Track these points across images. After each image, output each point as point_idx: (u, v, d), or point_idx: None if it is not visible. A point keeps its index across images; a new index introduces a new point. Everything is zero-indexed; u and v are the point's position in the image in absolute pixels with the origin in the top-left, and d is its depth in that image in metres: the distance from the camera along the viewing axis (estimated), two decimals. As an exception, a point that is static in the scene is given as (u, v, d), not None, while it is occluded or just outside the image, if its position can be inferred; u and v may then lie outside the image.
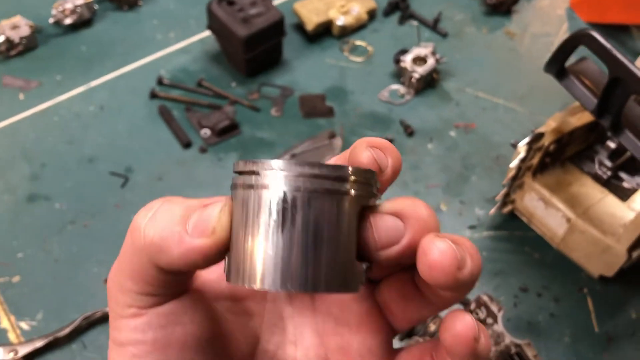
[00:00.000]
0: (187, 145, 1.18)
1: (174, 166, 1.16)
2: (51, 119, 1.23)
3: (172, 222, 0.30)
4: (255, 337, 0.38)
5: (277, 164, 0.30)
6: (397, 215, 0.31)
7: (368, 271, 0.32)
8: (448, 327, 0.31)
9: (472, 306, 0.87)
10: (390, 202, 0.32)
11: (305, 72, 1.34)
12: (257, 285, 0.30)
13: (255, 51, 1.26)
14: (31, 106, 1.25)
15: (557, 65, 0.84)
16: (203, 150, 1.18)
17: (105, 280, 0.98)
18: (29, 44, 1.34)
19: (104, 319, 0.94)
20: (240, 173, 0.31)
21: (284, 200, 0.29)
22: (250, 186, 0.30)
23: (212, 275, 0.37)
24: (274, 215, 0.30)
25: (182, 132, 1.20)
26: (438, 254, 0.29)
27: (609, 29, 1.44)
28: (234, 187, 0.32)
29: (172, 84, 1.29)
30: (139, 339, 0.33)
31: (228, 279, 0.31)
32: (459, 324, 0.31)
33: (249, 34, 1.22)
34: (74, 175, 1.14)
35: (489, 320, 0.85)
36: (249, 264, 0.30)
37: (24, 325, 0.94)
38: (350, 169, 0.31)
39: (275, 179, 0.30)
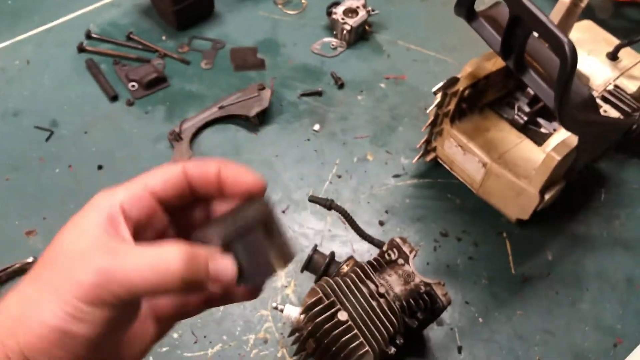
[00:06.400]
0: (113, 98, 1.17)
1: (100, 119, 1.14)
2: (-26, 73, 1.20)
3: None
4: None
5: None
6: None
7: None
8: None
9: (385, 247, 0.88)
10: None
11: (238, 24, 1.32)
12: None
13: (184, 3, 1.24)
14: (-46, 61, 1.22)
15: (466, 6, 0.85)
16: (130, 104, 1.16)
17: (28, 232, 0.99)
18: (-48, -2, 1.31)
19: (22, 271, 0.94)
20: None
21: None
22: None
23: None
24: None
25: (109, 85, 1.18)
26: None
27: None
28: None
29: (101, 37, 1.27)
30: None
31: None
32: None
33: (175, -15, 1.20)
34: (-3, 129, 1.12)
35: (400, 261, 0.87)
36: None
37: (-58, 277, 0.93)
38: None
39: None
